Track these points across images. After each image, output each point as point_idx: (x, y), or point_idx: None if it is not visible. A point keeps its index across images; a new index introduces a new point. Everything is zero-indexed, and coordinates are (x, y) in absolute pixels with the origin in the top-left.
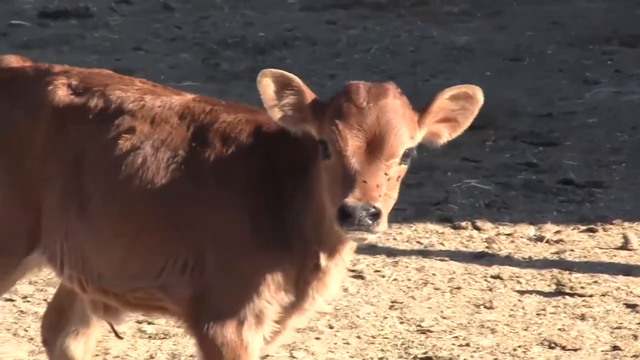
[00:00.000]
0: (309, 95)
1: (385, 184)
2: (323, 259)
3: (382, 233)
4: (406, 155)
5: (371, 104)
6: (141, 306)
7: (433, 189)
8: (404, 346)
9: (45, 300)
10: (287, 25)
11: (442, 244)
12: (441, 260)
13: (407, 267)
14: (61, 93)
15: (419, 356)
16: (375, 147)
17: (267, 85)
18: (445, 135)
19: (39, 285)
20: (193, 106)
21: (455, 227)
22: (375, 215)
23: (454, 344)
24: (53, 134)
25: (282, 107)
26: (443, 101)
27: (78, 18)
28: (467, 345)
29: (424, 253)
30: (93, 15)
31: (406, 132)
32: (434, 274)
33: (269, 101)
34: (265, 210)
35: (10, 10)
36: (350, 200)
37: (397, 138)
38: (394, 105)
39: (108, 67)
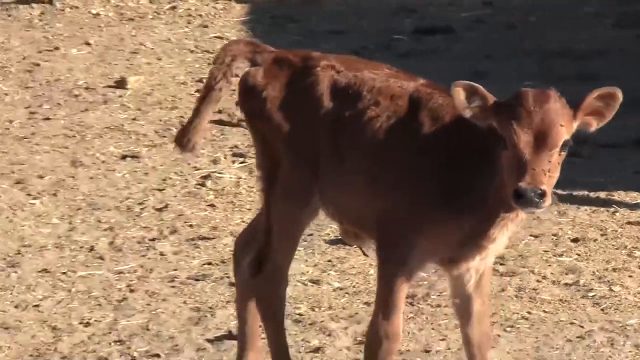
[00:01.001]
0: (491, 99)
1: (550, 169)
2: (502, 216)
3: (548, 207)
4: (564, 145)
5: (537, 108)
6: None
7: None
8: None
9: None
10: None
11: None
12: None
13: None
14: (329, 74)
15: None
16: (540, 141)
17: (458, 92)
18: (594, 124)
19: None
20: (420, 89)
21: None
22: (542, 195)
23: None
24: (322, 108)
25: (471, 109)
26: (591, 100)
27: (443, 34)
28: None
29: None
30: (454, 31)
31: (564, 128)
32: None
33: (461, 104)
34: (457, 181)
35: (393, 28)
36: (523, 185)
37: (556, 134)
38: (555, 107)
39: (466, 72)
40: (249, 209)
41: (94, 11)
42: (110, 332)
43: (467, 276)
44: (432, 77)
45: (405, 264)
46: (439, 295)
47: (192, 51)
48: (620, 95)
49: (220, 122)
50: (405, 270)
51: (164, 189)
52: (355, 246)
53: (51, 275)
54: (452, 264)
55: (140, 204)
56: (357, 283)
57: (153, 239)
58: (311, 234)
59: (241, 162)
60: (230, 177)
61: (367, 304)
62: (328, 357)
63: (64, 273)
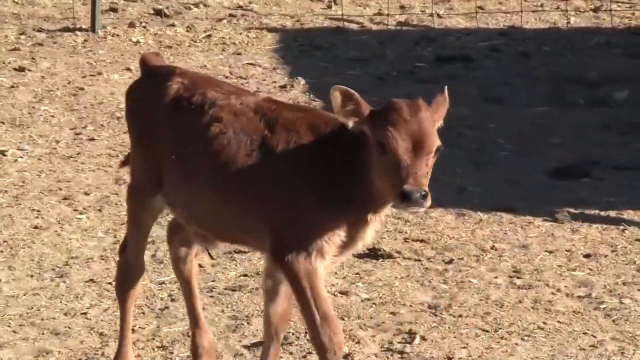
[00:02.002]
0: (366, 107)
1: (426, 172)
2: (369, 217)
3: (428, 207)
4: (437, 150)
5: (412, 117)
6: (229, 240)
7: None
8: None
9: None
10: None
11: None
12: None
13: None
14: (176, 88)
15: None
16: (418, 147)
17: (335, 96)
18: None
19: None
20: (263, 104)
21: None
22: (425, 195)
23: None
24: (168, 119)
25: (345, 112)
26: (438, 105)
27: (462, 61)
28: None
29: None
30: (472, 59)
31: (436, 135)
32: None
33: (336, 107)
34: (323, 188)
35: (415, 56)
36: (408, 187)
37: (431, 141)
38: (427, 116)
39: (483, 97)
40: None
41: (134, 39)
42: (153, 339)
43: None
44: (453, 102)
45: (309, 254)
46: (460, 306)
47: (226, 77)
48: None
49: None
50: (312, 261)
51: None
52: (206, 249)
53: (97, 285)
54: (342, 252)
55: None
56: (383, 294)
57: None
58: None
59: None
60: None
61: (393, 313)
62: None
63: (109, 283)
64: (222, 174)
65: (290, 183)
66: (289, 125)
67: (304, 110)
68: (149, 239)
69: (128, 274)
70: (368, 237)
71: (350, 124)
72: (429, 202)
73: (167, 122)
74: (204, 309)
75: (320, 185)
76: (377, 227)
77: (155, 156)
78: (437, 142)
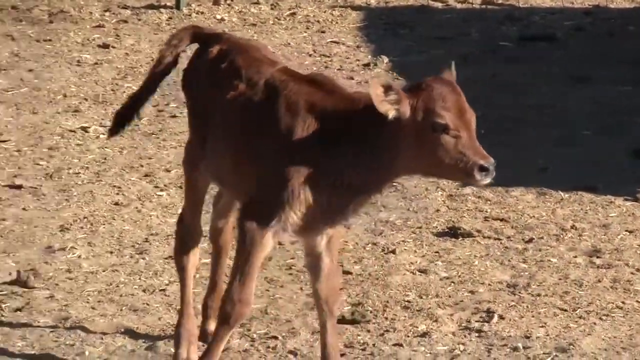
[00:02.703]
0: (405, 96)
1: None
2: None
3: None
4: None
5: (454, 92)
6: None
7: None
8: None
9: None
10: None
11: None
12: None
13: None
14: (214, 54)
15: None
16: (469, 120)
17: (376, 87)
18: None
19: None
20: (275, 75)
21: None
22: (494, 166)
23: None
24: (204, 85)
25: (386, 102)
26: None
27: (546, 41)
28: None
29: None
30: (557, 39)
31: None
32: None
33: (378, 98)
34: (306, 155)
35: (499, 35)
36: (485, 161)
37: (473, 115)
38: (460, 89)
39: (567, 76)
40: None
41: (218, 16)
42: None
43: (318, 238)
44: (536, 82)
45: (266, 227)
46: (538, 285)
47: (310, 55)
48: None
49: None
50: (264, 234)
51: None
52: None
53: None
54: (304, 233)
55: None
56: (462, 273)
57: None
58: (420, 227)
59: None
60: None
61: (472, 292)
62: (434, 341)
63: None
64: (233, 140)
65: (272, 155)
66: (290, 98)
67: (314, 84)
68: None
69: (186, 240)
70: (353, 219)
71: (392, 113)
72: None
73: (205, 88)
74: (282, 286)
75: (301, 162)
76: (364, 209)
77: (200, 123)
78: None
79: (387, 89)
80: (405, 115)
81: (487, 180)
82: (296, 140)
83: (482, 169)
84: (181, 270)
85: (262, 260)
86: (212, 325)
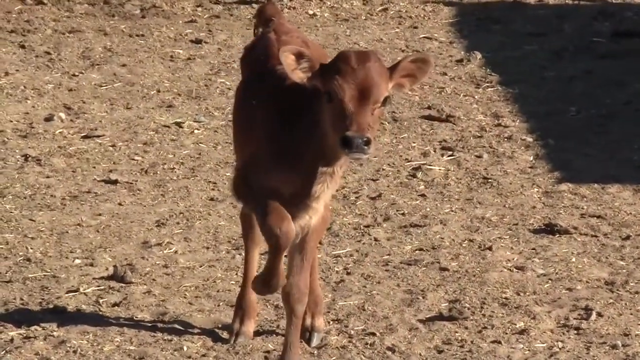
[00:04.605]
0: (317, 62)
1: (371, 121)
2: (321, 167)
3: (372, 154)
4: (384, 101)
5: (360, 66)
6: None
7: None
8: None
9: None
10: None
11: None
12: None
13: None
14: (265, 35)
15: None
16: (364, 96)
17: (286, 57)
18: (407, 86)
19: None
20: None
21: None
22: (367, 142)
23: None
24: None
25: (299, 71)
26: (406, 63)
27: None
28: None
29: None
30: None
31: (384, 84)
32: None
33: (290, 67)
34: (280, 138)
35: (593, 31)
36: (350, 133)
37: (378, 89)
38: (375, 66)
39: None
40: (457, 199)
41: (310, 12)
42: (329, 312)
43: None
44: (631, 78)
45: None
46: (637, 283)
47: (402, 50)
48: (431, 60)
49: (429, 118)
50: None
51: (377, 179)
52: None
53: None
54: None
55: (355, 192)
56: (559, 270)
57: (367, 226)
58: (516, 224)
59: (450, 155)
60: (440, 169)
61: (569, 289)
62: (532, 338)
63: (285, 256)
64: (239, 119)
65: (258, 127)
66: (278, 75)
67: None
68: None
69: (249, 220)
70: (322, 197)
71: (305, 80)
72: (372, 150)
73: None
74: (378, 282)
75: (277, 135)
76: (334, 185)
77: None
78: (384, 93)
79: (299, 56)
80: (316, 82)
81: (357, 156)
82: (271, 112)
83: (345, 141)
84: (246, 247)
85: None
86: (307, 321)
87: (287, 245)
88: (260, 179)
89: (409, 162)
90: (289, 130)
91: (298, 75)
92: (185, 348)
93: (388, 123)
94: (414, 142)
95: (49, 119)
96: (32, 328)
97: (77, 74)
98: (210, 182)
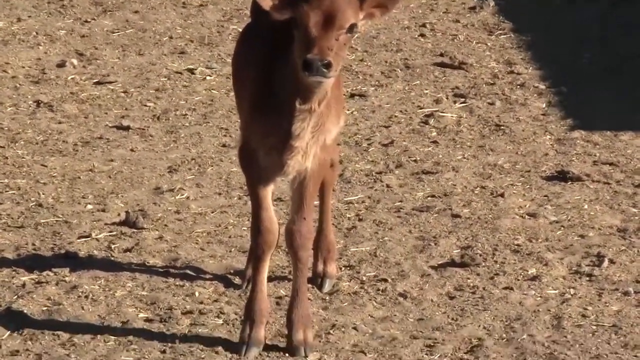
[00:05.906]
0: None
1: (335, 46)
2: (298, 104)
3: (333, 78)
4: (351, 29)
5: None
6: None
7: None
8: None
9: None
10: None
11: None
12: None
13: None
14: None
15: None
16: (328, 21)
17: None
18: (378, 15)
19: None
20: None
21: None
22: (328, 65)
23: None
24: None
25: (278, 8)
26: None
27: None
28: None
29: None
30: None
31: (350, 12)
32: None
33: (267, 6)
34: (261, 80)
35: None
36: (310, 56)
37: (343, 15)
38: None
39: None
40: (470, 146)
41: None
42: (340, 258)
43: (292, 179)
44: None
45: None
46: None
47: None
48: None
49: (442, 65)
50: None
51: (389, 126)
52: None
53: (285, 203)
54: (272, 159)
55: (367, 139)
56: (572, 217)
57: (380, 172)
58: (528, 171)
59: (462, 102)
60: (452, 116)
61: (582, 236)
62: (544, 284)
63: None
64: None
65: (248, 83)
66: (269, 34)
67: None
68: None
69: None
70: (304, 137)
71: (275, 8)
72: (333, 73)
73: None
74: (390, 229)
75: (260, 76)
76: (314, 123)
77: None
78: (350, 20)
79: None
80: (287, 12)
81: (318, 79)
82: (260, 64)
83: (306, 64)
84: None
85: (260, 180)
86: (320, 267)
87: (265, 256)
88: (254, 140)
89: (421, 109)
90: (270, 69)
91: (265, 2)
92: (197, 294)
93: (400, 70)
94: (427, 89)
95: (61, 65)
96: (44, 273)
97: (89, 20)
98: (222, 128)
